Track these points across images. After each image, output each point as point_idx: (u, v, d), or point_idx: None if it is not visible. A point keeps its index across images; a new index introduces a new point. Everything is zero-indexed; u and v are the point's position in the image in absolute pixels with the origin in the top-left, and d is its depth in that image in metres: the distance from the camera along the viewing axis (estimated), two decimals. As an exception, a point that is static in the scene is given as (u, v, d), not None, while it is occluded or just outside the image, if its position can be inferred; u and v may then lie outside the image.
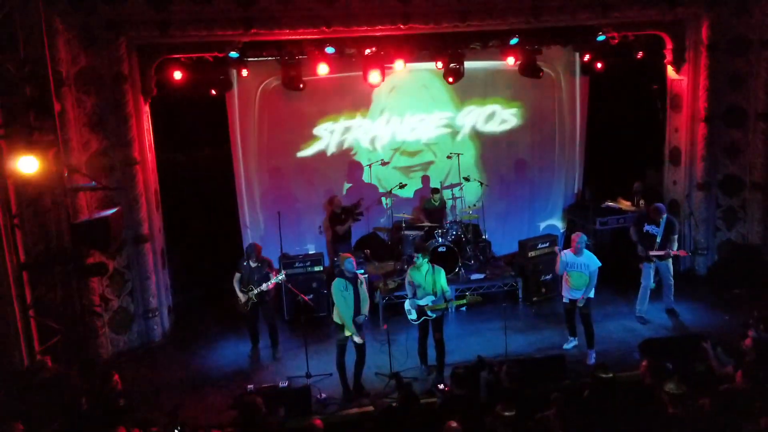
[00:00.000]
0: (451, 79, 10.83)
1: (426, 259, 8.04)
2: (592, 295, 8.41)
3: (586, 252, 8.41)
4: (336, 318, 7.90)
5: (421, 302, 8.05)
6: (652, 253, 9.25)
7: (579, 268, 8.35)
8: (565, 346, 8.77)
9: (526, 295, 10.46)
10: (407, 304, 8.26)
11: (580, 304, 8.41)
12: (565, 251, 8.53)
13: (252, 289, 8.67)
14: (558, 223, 12.73)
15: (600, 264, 8.38)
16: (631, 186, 11.82)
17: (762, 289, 9.76)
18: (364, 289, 7.95)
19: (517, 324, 9.60)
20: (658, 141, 11.54)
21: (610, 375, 6.04)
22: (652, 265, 9.37)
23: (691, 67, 10.52)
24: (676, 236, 9.39)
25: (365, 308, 7.90)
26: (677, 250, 9.37)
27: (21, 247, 7.70)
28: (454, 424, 5.40)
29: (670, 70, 10.94)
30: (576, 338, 8.77)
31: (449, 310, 8.59)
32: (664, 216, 9.31)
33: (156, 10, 8.66)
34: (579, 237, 8.41)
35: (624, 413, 5.91)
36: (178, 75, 9.96)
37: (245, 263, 8.80)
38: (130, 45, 9.03)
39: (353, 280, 7.83)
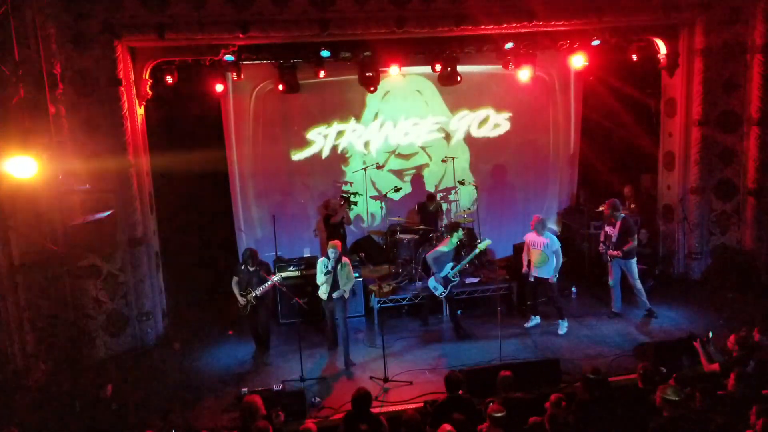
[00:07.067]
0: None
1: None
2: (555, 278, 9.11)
3: (546, 233, 9.14)
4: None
5: (444, 273, 9.20)
6: (610, 252, 9.48)
7: (537, 246, 9.09)
8: (527, 325, 9.31)
9: (520, 298, 10.47)
10: (432, 282, 9.30)
11: (553, 281, 9.09)
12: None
13: (250, 292, 8.77)
14: (553, 227, 12.74)
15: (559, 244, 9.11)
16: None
17: (756, 293, 9.81)
18: (346, 272, 8.60)
19: (512, 328, 9.59)
20: (652, 145, 11.60)
21: (602, 378, 6.05)
22: (615, 264, 9.55)
23: (685, 71, 10.56)
24: (631, 239, 9.37)
25: (347, 286, 8.63)
26: (613, 250, 9.47)
27: (15, 249, 7.70)
28: (448, 427, 5.40)
29: (664, 75, 11.00)
30: (538, 317, 9.43)
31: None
32: (620, 215, 9.45)
33: (151, 12, 8.67)
34: (536, 217, 9.29)
35: (619, 417, 5.93)
36: (172, 78, 9.93)
37: (242, 267, 8.87)
38: (125, 48, 9.02)
39: (335, 263, 8.52)
